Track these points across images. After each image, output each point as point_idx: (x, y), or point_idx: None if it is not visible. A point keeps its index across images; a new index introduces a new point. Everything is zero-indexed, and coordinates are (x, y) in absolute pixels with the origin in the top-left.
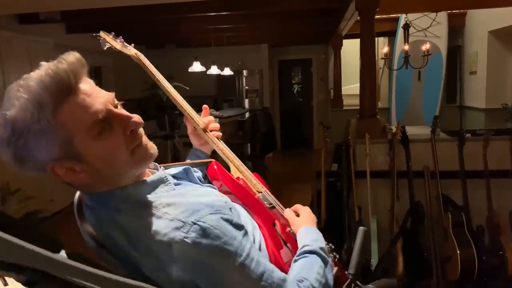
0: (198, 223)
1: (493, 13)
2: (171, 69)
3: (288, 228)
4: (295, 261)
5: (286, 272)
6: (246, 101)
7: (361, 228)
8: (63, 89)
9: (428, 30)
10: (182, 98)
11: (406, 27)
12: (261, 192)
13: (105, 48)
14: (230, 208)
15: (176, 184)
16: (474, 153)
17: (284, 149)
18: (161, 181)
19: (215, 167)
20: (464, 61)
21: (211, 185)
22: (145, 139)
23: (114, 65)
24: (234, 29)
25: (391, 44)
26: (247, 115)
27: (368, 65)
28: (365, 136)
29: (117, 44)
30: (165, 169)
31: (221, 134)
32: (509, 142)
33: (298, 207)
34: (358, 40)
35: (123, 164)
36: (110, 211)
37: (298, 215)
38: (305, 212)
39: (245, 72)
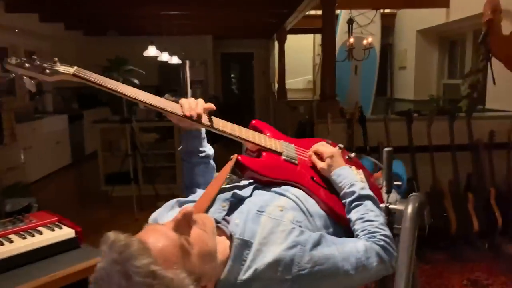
0: (298, 275)
1: (420, 15)
2: (113, 56)
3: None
4: (349, 211)
5: (341, 213)
6: (190, 92)
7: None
8: None
9: (365, 28)
10: (152, 95)
11: (351, 22)
12: (283, 152)
13: (30, 88)
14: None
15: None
16: (420, 130)
17: (226, 140)
18: (238, 256)
19: (241, 161)
20: (394, 57)
21: (251, 181)
22: None
23: (52, 49)
24: (179, 17)
25: None
26: None
27: (329, 54)
28: (327, 116)
29: (37, 73)
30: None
31: (213, 107)
32: (448, 122)
33: (316, 148)
34: (297, 36)
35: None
36: None
37: (319, 155)
38: (327, 150)
39: (189, 63)
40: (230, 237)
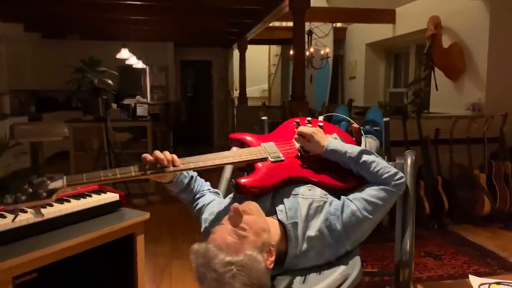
0: (338, 236)
1: (369, 29)
2: (74, 60)
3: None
4: (358, 172)
5: (336, 183)
6: (149, 97)
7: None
8: None
9: (319, 40)
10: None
11: (310, 33)
12: (268, 156)
13: (38, 216)
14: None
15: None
16: None
17: (185, 147)
18: (292, 235)
19: (242, 184)
20: (345, 68)
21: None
22: None
23: (7, 52)
24: (140, 22)
25: (286, 51)
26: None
27: (300, 59)
28: (299, 114)
29: (36, 201)
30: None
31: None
32: (401, 121)
33: (301, 131)
34: (252, 46)
35: None
36: None
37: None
38: (308, 130)
39: (150, 68)
40: (280, 222)
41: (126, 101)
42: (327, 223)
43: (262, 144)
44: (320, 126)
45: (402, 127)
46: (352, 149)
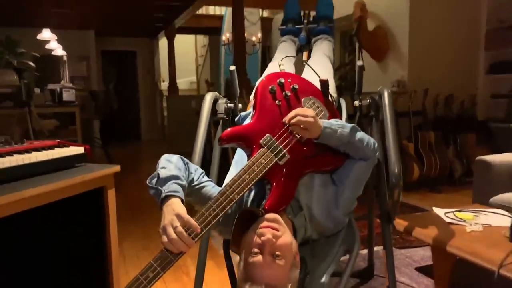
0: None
1: None
2: None
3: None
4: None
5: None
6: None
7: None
8: None
9: (247, 29)
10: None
11: None
12: (276, 159)
13: None
14: None
15: None
16: None
17: (112, 141)
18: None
19: (270, 208)
20: (272, 58)
21: None
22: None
23: None
24: (58, 4)
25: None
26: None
27: (240, 37)
28: (242, 91)
29: None
30: None
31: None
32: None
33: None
34: (178, 37)
35: None
36: None
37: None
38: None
39: (69, 59)
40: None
41: (50, 86)
42: (326, 210)
43: (261, 143)
44: (295, 89)
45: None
46: (342, 130)
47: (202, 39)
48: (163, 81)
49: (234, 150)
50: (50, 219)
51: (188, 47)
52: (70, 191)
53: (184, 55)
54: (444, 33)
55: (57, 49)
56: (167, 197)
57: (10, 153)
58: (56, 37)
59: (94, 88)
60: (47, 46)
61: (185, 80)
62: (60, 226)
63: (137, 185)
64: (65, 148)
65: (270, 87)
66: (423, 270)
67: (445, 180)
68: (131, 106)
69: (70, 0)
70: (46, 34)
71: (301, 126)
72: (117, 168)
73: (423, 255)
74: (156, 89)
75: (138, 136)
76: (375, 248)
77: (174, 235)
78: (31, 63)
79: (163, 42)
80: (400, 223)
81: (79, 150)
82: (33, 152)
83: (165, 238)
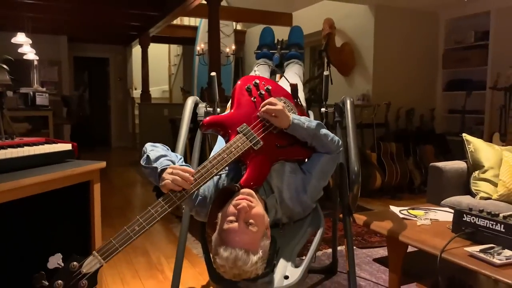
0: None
1: None
2: None
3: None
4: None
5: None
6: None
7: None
8: None
9: (222, 41)
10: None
11: None
12: (251, 145)
13: None
14: None
15: None
16: None
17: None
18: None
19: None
20: (245, 69)
21: None
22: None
23: None
24: (30, 8)
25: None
26: None
27: (215, 48)
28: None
29: None
30: None
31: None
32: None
33: (269, 108)
34: (152, 46)
35: None
36: None
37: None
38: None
39: (40, 63)
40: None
41: (23, 90)
42: (295, 194)
43: (238, 130)
44: (268, 89)
45: None
46: (310, 124)
47: (176, 49)
48: (135, 89)
49: (211, 150)
50: (39, 212)
51: (162, 55)
52: (61, 182)
53: (157, 64)
54: (406, 52)
55: (29, 53)
56: (163, 171)
57: (3, 147)
58: (30, 41)
59: (65, 94)
60: (19, 50)
61: (158, 89)
62: (48, 218)
63: (106, 191)
64: (54, 144)
65: (246, 86)
66: (380, 261)
67: (405, 188)
68: (102, 112)
69: (43, 5)
70: (21, 38)
71: (272, 114)
72: (103, 164)
73: (382, 253)
74: (128, 96)
75: (108, 143)
76: (339, 248)
77: (172, 176)
78: (5, 66)
79: (136, 50)
80: (360, 218)
81: (67, 146)
82: (25, 146)
83: (167, 181)
